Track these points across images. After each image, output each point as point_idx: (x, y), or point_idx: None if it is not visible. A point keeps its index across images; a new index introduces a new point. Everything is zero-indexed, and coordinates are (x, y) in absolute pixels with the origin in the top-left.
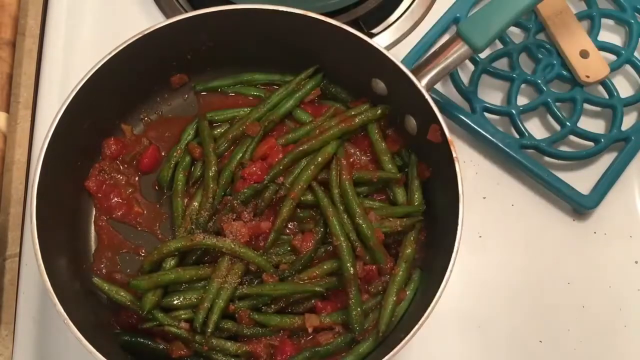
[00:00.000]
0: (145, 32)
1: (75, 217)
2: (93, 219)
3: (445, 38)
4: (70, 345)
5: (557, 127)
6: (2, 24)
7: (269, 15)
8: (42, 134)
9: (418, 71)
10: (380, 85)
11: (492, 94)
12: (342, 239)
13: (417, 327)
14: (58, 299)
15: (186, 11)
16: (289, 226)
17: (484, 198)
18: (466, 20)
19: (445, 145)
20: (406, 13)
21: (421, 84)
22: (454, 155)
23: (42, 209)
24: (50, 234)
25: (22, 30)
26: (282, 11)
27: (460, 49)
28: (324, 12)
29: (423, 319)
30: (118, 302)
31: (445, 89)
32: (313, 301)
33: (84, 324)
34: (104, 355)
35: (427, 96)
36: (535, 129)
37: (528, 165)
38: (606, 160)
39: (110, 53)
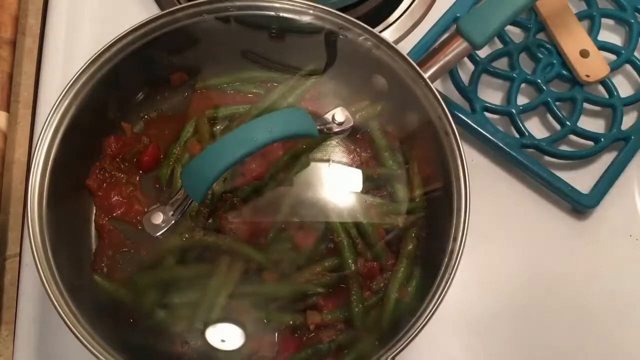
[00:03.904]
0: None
1: (76, 216)
2: (93, 218)
3: None
4: (71, 345)
5: (557, 126)
6: (2, 23)
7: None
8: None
9: None
10: (381, 81)
11: (492, 94)
12: (342, 235)
13: (419, 323)
14: (59, 298)
15: None
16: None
17: (484, 198)
18: (465, 17)
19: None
20: (406, 13)
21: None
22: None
23: (42, 209)
24: (51, 234)
25: (22, 30)
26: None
27: (459, 46)
28: None
29: (425, 315)
30: (119, 300)
31: (445, 88)
32: (315, 298)
33: (84, 323)
34: (105, 355)
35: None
36: (535, 128)
37: (528, 164)
38: (606, 159)
39: (110, 50)
